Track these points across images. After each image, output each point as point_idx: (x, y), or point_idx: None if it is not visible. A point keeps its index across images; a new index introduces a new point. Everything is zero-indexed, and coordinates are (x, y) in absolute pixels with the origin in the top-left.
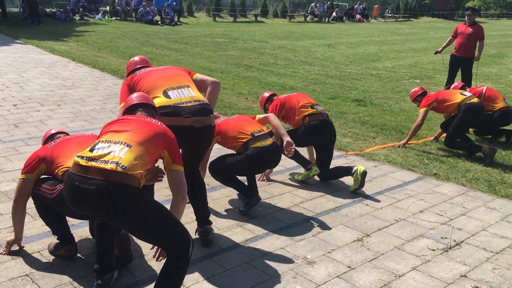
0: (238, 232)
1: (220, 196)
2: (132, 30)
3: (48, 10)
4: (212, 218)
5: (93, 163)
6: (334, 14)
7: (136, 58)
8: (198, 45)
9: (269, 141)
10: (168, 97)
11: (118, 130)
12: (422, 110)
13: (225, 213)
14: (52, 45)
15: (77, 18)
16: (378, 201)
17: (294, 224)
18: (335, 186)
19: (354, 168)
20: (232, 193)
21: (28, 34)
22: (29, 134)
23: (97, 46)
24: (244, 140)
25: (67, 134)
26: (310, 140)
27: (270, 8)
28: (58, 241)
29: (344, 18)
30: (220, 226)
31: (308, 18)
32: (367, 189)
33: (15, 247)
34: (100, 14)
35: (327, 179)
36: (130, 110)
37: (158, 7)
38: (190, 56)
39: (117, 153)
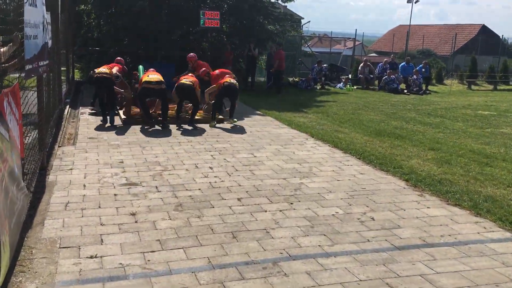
0: None
1: None
2: (375, 99)
3: (291, 79)
4: None
5: None
6: None
7: None
8: (458, 119)
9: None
10: None
11: None
12: None
13: None
14: (291, 117)
15: (318, 87)
16: None
17: None
18: None
19: None
20: None
21: (269, 104)
22: (248, 254)
23: (338, 118)
24: None
25: None
26: None
27: None
28: None
29: None
30: None
31: None
32: None
33: None
34: (341, 83)
35: None
36: None
37: (404, 74)
38: (452, 134)
39: None
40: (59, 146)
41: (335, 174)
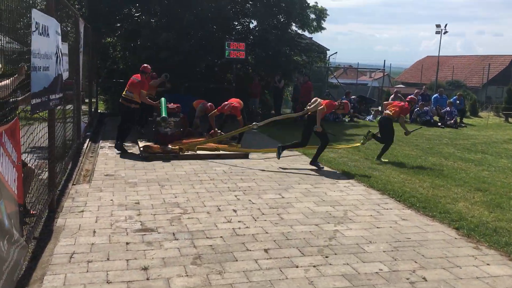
0: None
1: None
2: None
3: None
4: None
5: None
6: None
7: None
8: (501, 155)
9: None
10: None
11: None
12: None
13: None
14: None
15: (346, 120)
16: None
17: None
18: None
19: None
20: None
21: (295, 138)
22: None
23: (370, 153)
24: None
25: None
26: None
27: None
28: None
29: None
30: None
31: None
32: None
33: None
34: (371, 116)
35: None
36: None
37: (436, 106)
38: (498, 172)
39: None
40: (73, 184)
41: (373, 219)
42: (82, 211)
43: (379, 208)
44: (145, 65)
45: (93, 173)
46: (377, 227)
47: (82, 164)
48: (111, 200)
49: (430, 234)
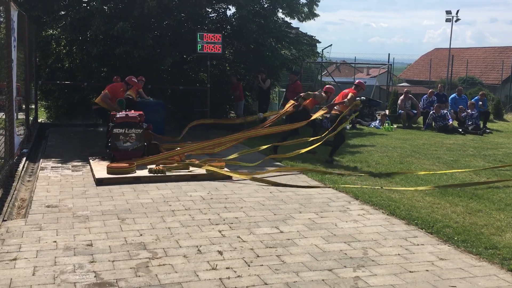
0: None
1: None
2: (425, 142)
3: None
4: None
5: None
6: None
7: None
8: None
9: None
10: None
11: None
12: None
13: None
14: (320, 168)
15: (348, 127)
16: None
17: None
18: None
19: None
20: None
21: (289, 150)
22: None
23: (384, 169)
24: None
25: None
26: None
27: None
28: None
29: None
30: None
31: None
32: None
33: None
34: (377, 121)
35: None
36: None
37: (455, 109)
38: None
39: None
40: (3, 220)
41: (403, 260)
42: (15, 259)
43: (407, 244)
44: (130, 76)
45: (31, 204)
46: (410, 271)
47: (16, 191)
48: (54, 242)
49: (481, 280)
